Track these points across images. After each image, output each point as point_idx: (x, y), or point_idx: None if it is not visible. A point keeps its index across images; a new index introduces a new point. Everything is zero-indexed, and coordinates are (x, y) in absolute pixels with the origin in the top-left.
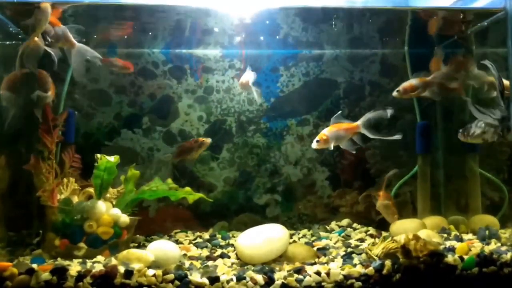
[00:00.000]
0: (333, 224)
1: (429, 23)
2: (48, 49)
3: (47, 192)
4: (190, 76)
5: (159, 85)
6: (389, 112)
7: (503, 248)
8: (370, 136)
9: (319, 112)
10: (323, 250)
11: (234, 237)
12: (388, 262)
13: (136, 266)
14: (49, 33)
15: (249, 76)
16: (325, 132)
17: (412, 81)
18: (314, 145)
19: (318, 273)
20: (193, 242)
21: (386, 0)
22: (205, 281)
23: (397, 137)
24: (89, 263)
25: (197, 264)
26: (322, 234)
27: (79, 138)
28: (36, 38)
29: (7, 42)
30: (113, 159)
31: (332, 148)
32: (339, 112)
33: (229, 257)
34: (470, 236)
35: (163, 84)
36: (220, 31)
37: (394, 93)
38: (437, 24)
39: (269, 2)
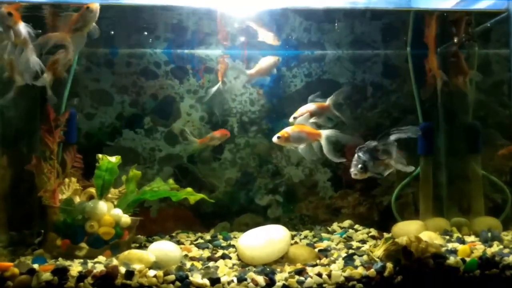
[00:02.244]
0: (334, 225)
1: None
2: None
3: (48, 192)
4: (192, 77)
5: (161, 85)
6: (358, 140)
7: (506, 251)
8: (324, 150)
9: None
10: (324, 252)
11: (235, 238)
12: (389, 264)
13: (137, 266)
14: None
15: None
16: (288, 130)
17: (309, 107)
18: (275, 139)
19: (319, 274)
20: (194, 242)
21: (388, 1)
22: (206, 282)
23: (342, 160)
24: (90, 264)
25: (198, 265)
26: (324, 235)
27: (81, 138)
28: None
29: None
30: (115, 159)
31: (293, 147)
32: (307, 114)
33: (230, 258)
34: (472, 238)
35: (165, 84)
36: (222, 31)
37: (291, 120)
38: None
39: (272, 3)
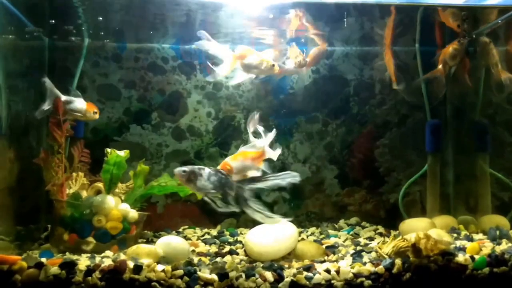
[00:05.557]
0: (341, 223)
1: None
2: None
3: (56, 186)
4: (199, 72)
5: (169, 81)
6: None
7: None
8: (273, 158)
9: (329, 109)
10: (332, 248)
11: (242, 234)
12: (398, 261)
13: (145, 261)
14: None
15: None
16: (229, 161)
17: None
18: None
19: (328, 271)
20: (201, 238)
21: None
22: (214, 277)
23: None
24: (98, 258)
25: (206, 260)
26: (331, 232)
27: (88, 133)
28: None
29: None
30: (123, 153)
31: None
32: (252, 143)
33: (237, 253)
34: (480, 236)
35: (172, 79)
36: (230, 27)
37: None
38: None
39: None
